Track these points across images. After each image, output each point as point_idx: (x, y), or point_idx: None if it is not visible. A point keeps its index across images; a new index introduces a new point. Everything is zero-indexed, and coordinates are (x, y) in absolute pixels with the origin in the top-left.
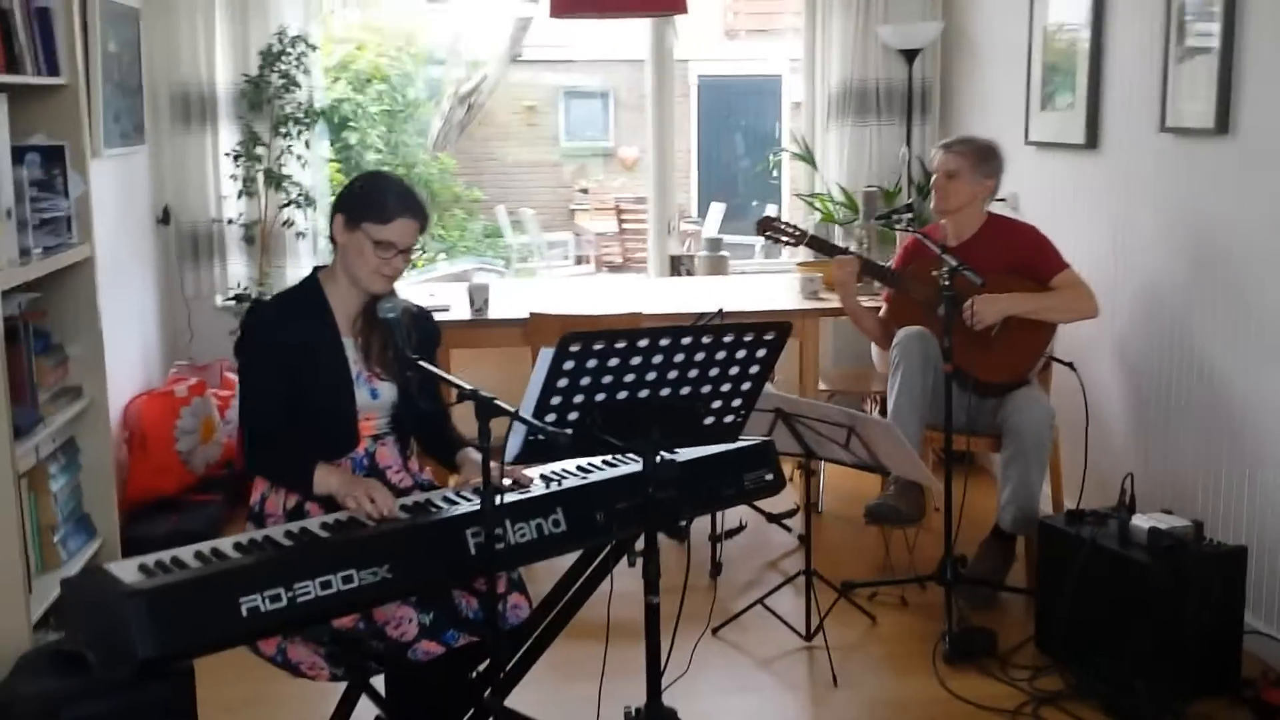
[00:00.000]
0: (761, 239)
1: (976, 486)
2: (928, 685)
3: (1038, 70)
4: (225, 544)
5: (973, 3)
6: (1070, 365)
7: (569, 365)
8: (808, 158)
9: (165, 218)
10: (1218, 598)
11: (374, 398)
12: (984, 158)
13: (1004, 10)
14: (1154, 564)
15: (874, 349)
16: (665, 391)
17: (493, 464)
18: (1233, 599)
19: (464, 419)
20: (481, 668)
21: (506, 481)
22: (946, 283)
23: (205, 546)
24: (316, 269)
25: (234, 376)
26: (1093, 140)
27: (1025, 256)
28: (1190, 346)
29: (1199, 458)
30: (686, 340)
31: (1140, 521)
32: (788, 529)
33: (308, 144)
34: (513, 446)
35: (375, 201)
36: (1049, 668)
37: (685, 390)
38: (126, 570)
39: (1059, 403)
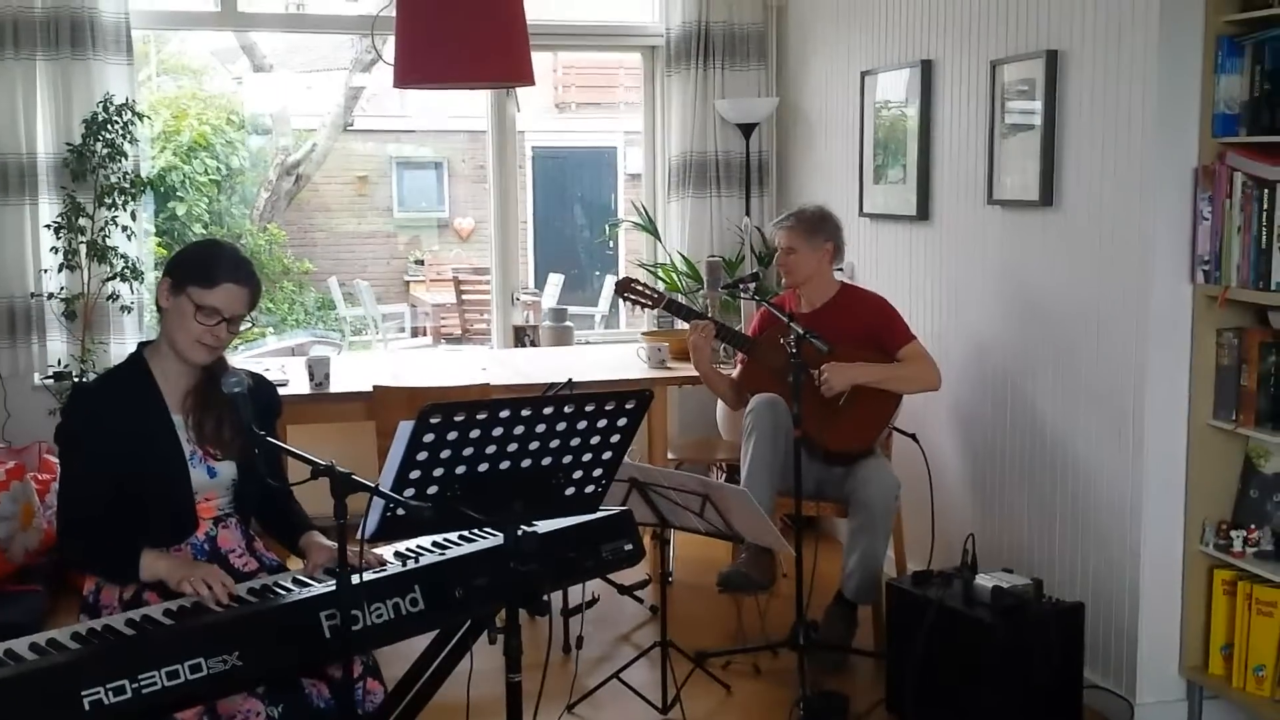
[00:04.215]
0: (603, 309)
1: (823, 551)
2: None
3: (869, 145)
4: (62, 635)
5: (805, 81)
6: (913, 436)
7: (429, 438)
8: (650, 228)
9: None
10: (1058, 654)
11: (211, 476)
12: (815, 227)
13: (835, 88)
14: (998, 622)
15: (719, 419)
16: (526, 463)
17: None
18: (1072, 654)
19: (309, 496)
20: None
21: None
22: (794, 349)
23: (40, 638)
24: (142, 345)
25: (55, 460)
26: (924, 212)
27: (874, 327)
28: (1022, 408)
29: (1034, 516)
30: (548, 410)
31: (984, 581)
32: (639, 600)
33: (134, 215)
34: (370, 523)
35: (202, 265)
36: None
37: (546, 461)
38: None
39: (901, 467)
